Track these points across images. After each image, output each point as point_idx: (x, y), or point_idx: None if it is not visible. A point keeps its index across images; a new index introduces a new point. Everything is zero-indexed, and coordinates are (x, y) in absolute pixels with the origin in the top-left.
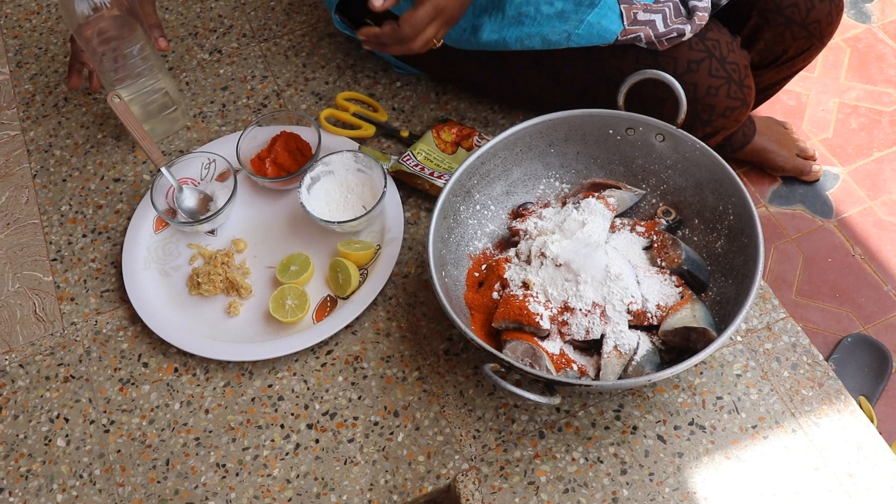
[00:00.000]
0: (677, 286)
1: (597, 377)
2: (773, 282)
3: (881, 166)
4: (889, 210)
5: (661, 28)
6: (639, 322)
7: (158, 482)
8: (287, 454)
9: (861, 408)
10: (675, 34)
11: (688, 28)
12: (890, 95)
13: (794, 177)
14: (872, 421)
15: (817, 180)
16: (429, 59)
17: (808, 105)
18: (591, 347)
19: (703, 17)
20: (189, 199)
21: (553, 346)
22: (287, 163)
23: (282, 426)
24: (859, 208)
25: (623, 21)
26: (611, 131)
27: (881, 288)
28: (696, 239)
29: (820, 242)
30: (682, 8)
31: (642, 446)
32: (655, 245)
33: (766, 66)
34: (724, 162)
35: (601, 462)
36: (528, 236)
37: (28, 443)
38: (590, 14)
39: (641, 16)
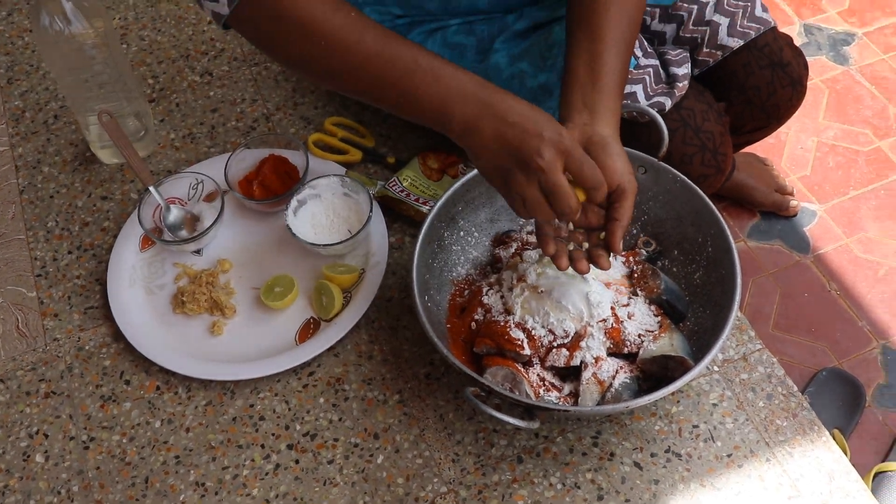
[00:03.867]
0: (656, 315)
1: (575, 403)
2: (750, 315)
3: (857, 204)
4: (864, 247)
5: (642, 101)
6: (618, 350)
7: (137, 500)
8: (267, 474)
9: (835, 440)
10: (655, 109)
11: (668, 102)
12: (866, 136)
13: (772, 212)
14: (846, 453)
15: (795, 215)
16: None
17: (787, 143)
18: (571, 374)
19: (682, 88)
20: (176, 219)
21: (533, 371)
22: (274, 185)
23: (262, 446)
24: (836, 245)
25: None
26: None
27: (856, 323)
28: (675, 269)
29: (797, 277)
30: (662, 73)
31: (619, 473)
32: (635, 275)
33: None
34: (703, 195)
35: (578, 488)
36: (510, 263)
37: (6, 458)
38: None
39: None
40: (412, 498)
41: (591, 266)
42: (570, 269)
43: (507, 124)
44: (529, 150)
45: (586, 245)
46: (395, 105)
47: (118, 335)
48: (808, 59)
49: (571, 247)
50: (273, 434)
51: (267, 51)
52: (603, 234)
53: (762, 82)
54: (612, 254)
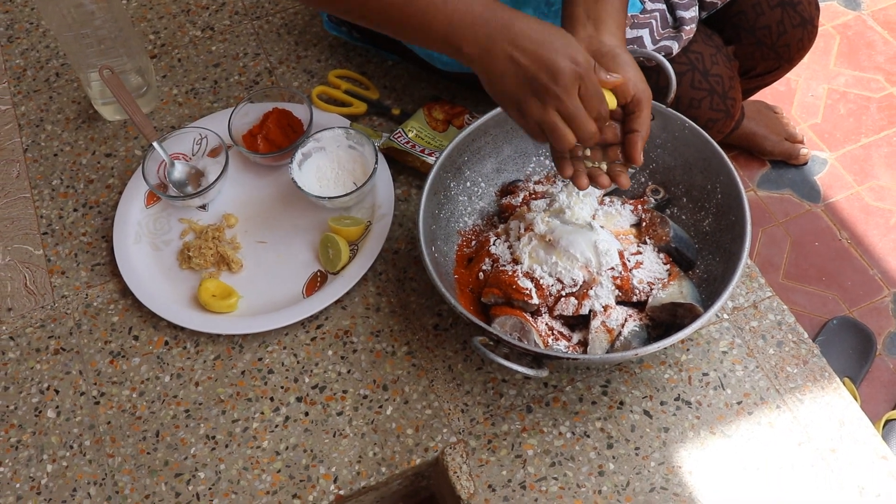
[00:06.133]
0: (665, 263)
1: (584, 352)
2: (760, 265)
3: (868, 152)
4: (876, 195)
5: (648, 45)
6: (627, 298)
7: (148, 453)
8: (276, 426)
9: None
10: (662, 53)
11: (675, 45)
12: (878, 82)
13: (782, 161)
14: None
15: (805, 164)
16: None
17: (798, 90)
18: (580, 323)
19: (689, 31)
20: (180, 174)
21: (541, 321)
22: (279, 139)
23: (271, 399)
24: (846, 193)
25: None
26: None
27: (867, 272)
28: (684, 217)
29: (807, 226)
30: (668, 17)
31: (629, 421)
32: (644, 223)
33: None
34: (712, 141)
35: (588, 436)
36: (517, 213)
37: (18, 414)
38: None
39: (629, 32)
40: (422, 448)
41: (599, 213)
42: (579, 218)
43: (519, 49)
44: (543, 77)
45: (604, 165)
46: (401, 28)
47: (125, 291)
48: (819, 4)
49: (588, 165)
50: (282, 387)
51: None
52: (620, 149)
53: (772, 22)
54: (631, 167)
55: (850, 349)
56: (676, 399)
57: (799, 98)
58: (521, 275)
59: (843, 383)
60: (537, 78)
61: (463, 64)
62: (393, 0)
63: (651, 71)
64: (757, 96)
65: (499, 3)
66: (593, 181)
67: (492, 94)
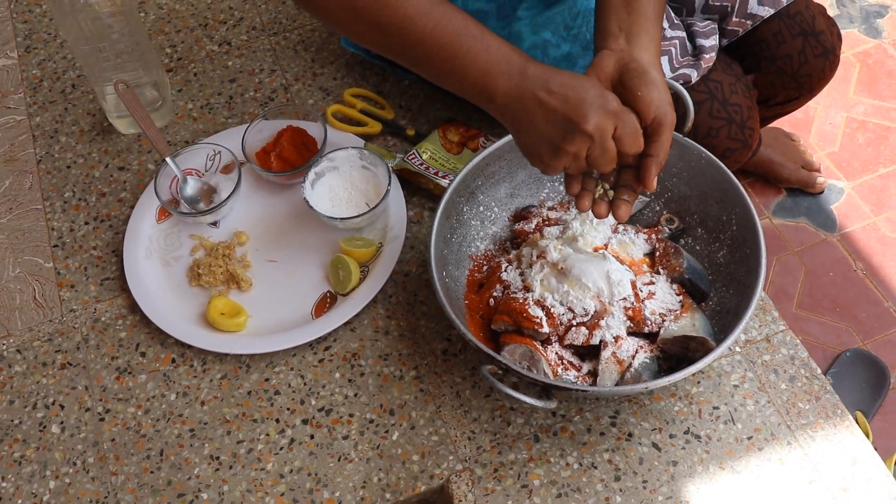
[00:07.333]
0: (678, 294)
1: (594, 383)
2: (774, 294)
3: (886, 182)
4: (893, 226)
5: (667, 73)
6: (638, 329)
7: (152, 472)
8: (281, 449)
9: (857, 423)
10: (681, 81)
11: (694, 73)
12: None
13: (799, 189)
14: (868, 436)
15: (822, 192)
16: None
17: (816, 118)
18: (590, 353)
19: (709, 60)
20: (193, 190)
21: (551, 350)
22: (292, 157)
23: (277, 420)
24: (863, 223)
25: None
26: None
27: (882, 304)
28: (698, 248)
29: (822, 256)
30: (688, 45)
31: (637, 453)
32: (657, 253)
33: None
34: (729, 172)
35: (595, 468)
36: (530, 239)
37: (23, 428)
38: None
39: None
40: (427, 475)
41: (613, 242)
42: (591, 248)
43: (549, 93)
44: (576, 117)
45: (612, 193)
46: (438, 70)
47: (134, 307)
48: (841, 33)
49: (599, 192)
50: (288, 409)
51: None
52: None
53: (794, 51)
54: (644, 195)
55: (863, 382)
56: (686, 432)
57: (817, 126)
58: (531, 303)
59: (856, 417)
60: (568, 118)
61: (492, 114)
62: (433, 43)
63: None
64: (775, 123)
65: (532, 58)
66: (593, 207)
67: (521, 142)
